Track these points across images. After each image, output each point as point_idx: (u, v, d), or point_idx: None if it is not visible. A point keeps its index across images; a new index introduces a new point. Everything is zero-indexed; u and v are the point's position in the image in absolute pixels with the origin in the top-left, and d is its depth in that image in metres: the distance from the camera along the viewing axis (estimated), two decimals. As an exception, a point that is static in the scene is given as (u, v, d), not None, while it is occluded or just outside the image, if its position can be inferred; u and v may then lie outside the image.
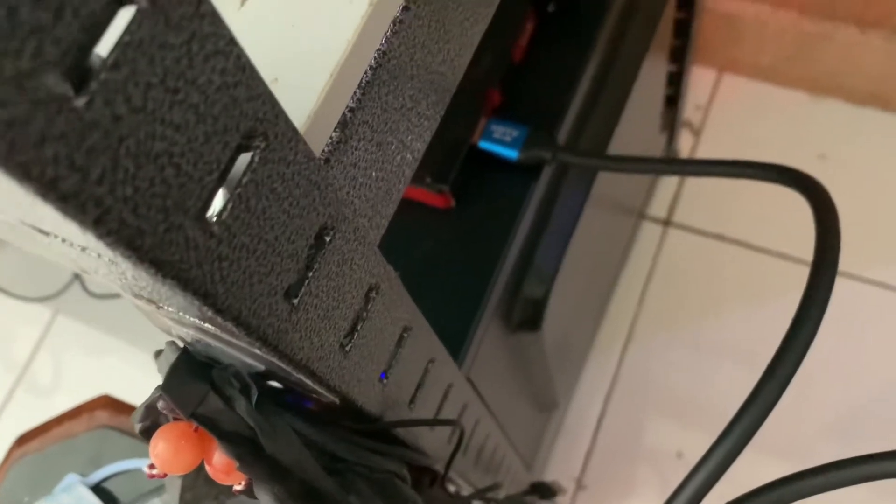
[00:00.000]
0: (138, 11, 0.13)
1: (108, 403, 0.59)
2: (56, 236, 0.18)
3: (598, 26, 0.54)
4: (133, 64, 0.14)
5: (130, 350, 1.07)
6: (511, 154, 0.48)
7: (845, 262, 0.32)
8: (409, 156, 0.26)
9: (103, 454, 0.56)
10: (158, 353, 0.29)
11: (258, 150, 0.18)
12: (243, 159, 0.18)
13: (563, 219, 0.54)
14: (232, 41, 0.16)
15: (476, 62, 0.33)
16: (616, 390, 0.95)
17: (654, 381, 0.95)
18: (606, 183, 0.61)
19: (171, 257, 0.16)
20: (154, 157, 0.15)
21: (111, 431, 0.57)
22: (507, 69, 0.52)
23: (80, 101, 0.13)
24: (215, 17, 0.15)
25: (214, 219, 0.17)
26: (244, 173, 0.18)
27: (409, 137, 0.26)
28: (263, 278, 0.20)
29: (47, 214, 0.14)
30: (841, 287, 0.31)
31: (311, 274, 0.22)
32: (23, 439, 0.59)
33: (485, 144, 0.49)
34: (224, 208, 0.18)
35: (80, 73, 0.13)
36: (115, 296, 0.98)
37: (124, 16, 0.13)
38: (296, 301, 0.22)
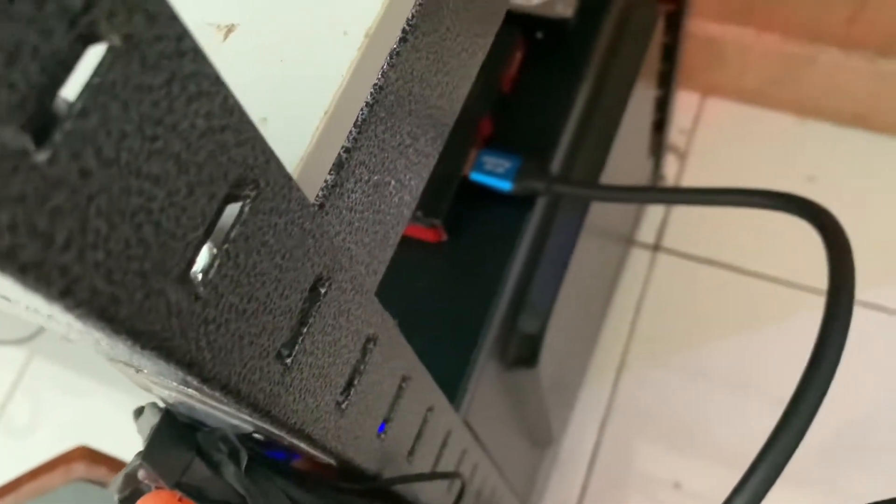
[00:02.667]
0: (109, 50, 0.12)
1: (85, 455, 0.56)
2: (19, 303, 0.16)
3: (588, 53, 0.52)
4: (104, 110, 0.12)
5: (108, 391, 1.03)
6: (504, 186, 0.46)
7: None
8: (406, 196, 0.24)
9: (81, 509, 0.53)
10: (139, 413, 0.27)
11: (248, 200, 0.16)
12: (231, 210, 0.16)
13: (557, 250, 0.52)
14: (217, 81, 0.14)
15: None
16: (610, 421, 0.93)
17: (648, 410, 0.93)
18: (598, 211, 0.59)
19: (150, 326, 0.14)
20: (130, 215, 0.13)
21: (88, 485, 0.54)
22: (497, 98, 0.50)
23: (42, 157, 0.11)
24: (198, 55, 0.13)
25: (199, 278, 0.15)
26: (233, 226, 0.16)
27: (408, 176, 0.24)
28: (254, 339, 0.18)
29: (6, 284, 0.12)
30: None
31: (305, 330, 0.20)
32: (-5, 495, 0.56)
33: (477, 176, 0.47)
34: (210, 266, 0.16)
35: (41, 122, 0.11)
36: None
37: (93, 55, 0.12)
38: (289, 361, 0.20)
